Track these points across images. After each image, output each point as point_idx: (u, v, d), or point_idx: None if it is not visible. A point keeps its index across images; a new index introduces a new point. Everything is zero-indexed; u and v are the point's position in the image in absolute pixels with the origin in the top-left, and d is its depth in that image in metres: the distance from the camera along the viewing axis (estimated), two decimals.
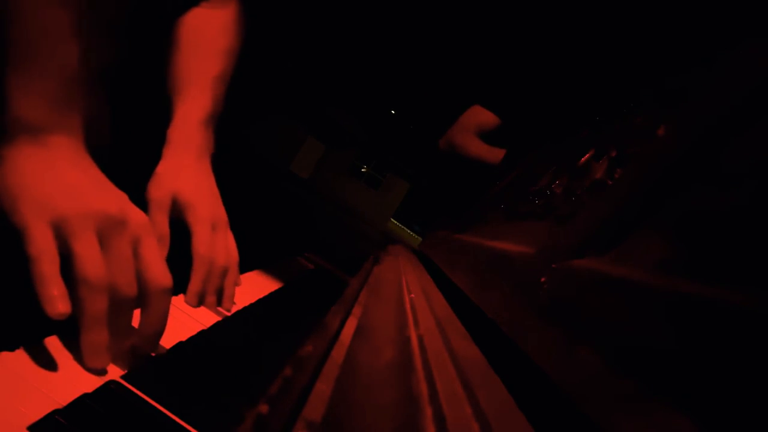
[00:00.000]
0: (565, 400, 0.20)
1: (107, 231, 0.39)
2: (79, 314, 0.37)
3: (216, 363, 0.45)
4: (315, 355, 0.28)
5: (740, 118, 0.26)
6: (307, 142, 17.05)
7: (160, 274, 0.41)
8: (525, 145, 1.07)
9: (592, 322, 0.23)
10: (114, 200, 0.41)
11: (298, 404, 0.23)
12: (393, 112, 16.40)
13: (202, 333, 0.49)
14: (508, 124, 1.54)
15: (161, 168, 0.60)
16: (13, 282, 0.37)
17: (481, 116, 1.59)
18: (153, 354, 0.42)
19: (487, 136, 1.57)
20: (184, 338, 0.45)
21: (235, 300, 0.64)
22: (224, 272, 0.60)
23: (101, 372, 0.37)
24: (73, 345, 0.37)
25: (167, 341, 0.43)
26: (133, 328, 0.41)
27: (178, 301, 0.55)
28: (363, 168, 19.08)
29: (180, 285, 0.57)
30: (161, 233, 0.56)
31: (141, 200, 0.56)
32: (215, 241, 0.59)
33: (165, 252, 0.56)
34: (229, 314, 0.60)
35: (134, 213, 0.42)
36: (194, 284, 0.56)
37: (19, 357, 0.34)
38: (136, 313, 0.41)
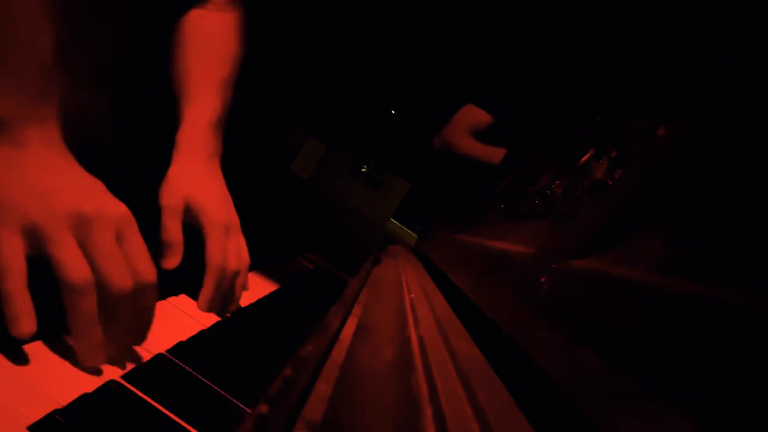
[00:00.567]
0: (565, 400, 0.20)
1: (84, 230, 0.37)
2: (69, 318, 0.36)
3: (216, 363, 0.45)
4: (315, 355, 0.28)
5: (740, 118, 0.26)
6: (307, 142, 17.06)
7: (142, 268, 0.39)
8: (525, 145, 1.07)
9: (592, 322, 0.23)
10: (89, 196, 0.39)
11: (298, 404, 0.23)
12: (393, 112, 16.40)
13: (202, 333, 0.49)
14: (505, 124, 1.54)
15: (172, 172, 0.59)
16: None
17: (474, 115, 1.59)
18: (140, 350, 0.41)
19: (481, 134, 1.58)
20: (184, 338, 0.45)
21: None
22: (236, 276, 0.60)
23: (97, 371, 0.37)
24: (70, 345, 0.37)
25: (167, 341, 0.43)
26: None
27: (178, 301, 0.55)
28: (363, 168, 19.08)
29: (192, 288, 0.57)
30: (174, 240, 0.56)
31: (145, 201, 0.56)
32: (228, 245, 0.59)
33: (179, 258, 0.56)
34: (228, 315, 0.60)
35: (113, 206, 0.40)
36: (206, 291, 0.56)
37: (19, 357, 0.34)
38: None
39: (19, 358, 0.34)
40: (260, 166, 8.48)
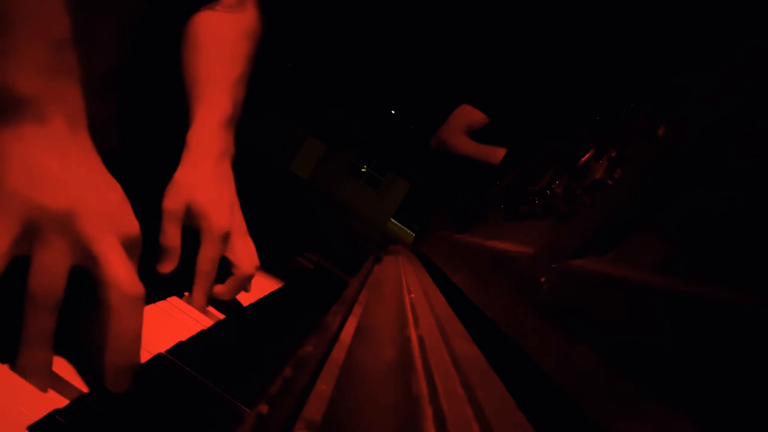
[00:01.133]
0: (565, 400, 0.20)
1: (81, 242, 0.33)
2: (23, 328, 0.32)
3: (216, 363, 0.45)
4: (315, 355, 0.28)
5: (740, 118, 0.26)
6: (307, 142, 17.07)
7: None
8: (525, 145, 1.07)
9: (591, 322, 0.23)
10: (102, 204, 0.35)
11: (298, 404, 0.23)
12: (393, 112, 16.40)
13: (202, 333, 0.49)
14: (502, 123, 1.55)
15: (179, 175, 0.58)
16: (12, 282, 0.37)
17: (470, 115, 1.60)
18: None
19: (478, 134, 1.58)
20: (184, 338, 0.45)
21: (236, 299, 0.65)
22: (249, 279, 0.60)
23: (43, 389, 0.33)
24: (72, 345, 0.37)
25: (167, 341, 0.43)
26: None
27: (178, 301, 0.55)
28: (363, 168, 19.09)
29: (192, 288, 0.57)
30: (171, 245, 0.55)
31: (150, 205, 0.56)
32: (236, 249, 0.58)
33: (175, 263, 0.55)
34: (227, 315, 0.60)
35: (125, 222, 0.36)
36: (197, 298, 0.56)
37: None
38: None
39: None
40: (260, 166, 8.48)
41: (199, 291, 0.56)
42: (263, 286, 0.77)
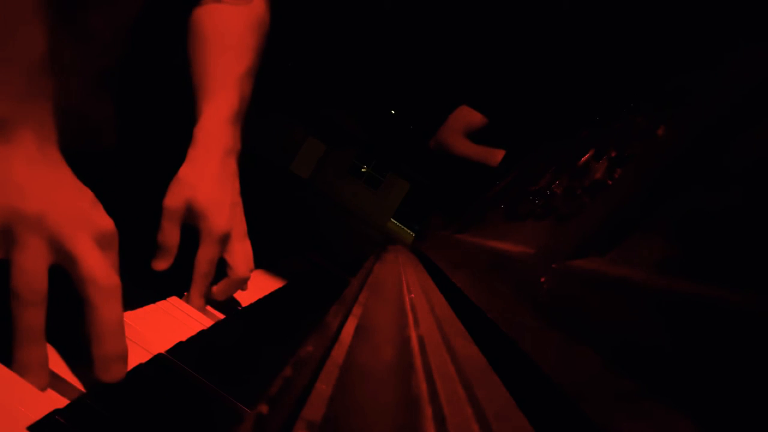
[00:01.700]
0: (565, 400, 0.20)
1: (58, 238, 0.34)
2: (14, 328, 0.33)
3: (216, 363, 0.45)
4: (315, 355, 0.28)
5: (740, 118, 0.26)
6: (307, 142, 17.07)
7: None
8: (525, 146, 1.07)
9: (591, 322, 0.23)
10: (72, 202, 0.36)
11: (298, 404, 0.23)
12: (393, 112, 16.41)
13: (202, 333, 0.49)
14: (501, 124, 1.55)
15: (182, 172, 0.58)
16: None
17: (468, 116, 1.60)
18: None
19: (477, 135, 1.58)
20: (184, 338, 0.45)
21: (236, 299, 0.65)
22: (243, 282, 0.60)
23: (43, 388, 0.33)
24: (72, 344, 0.37)
25: (167, 341, 0.43)
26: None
27: (178, 301, 0.55)
28: (363, 168, 19.09)
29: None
30: (168, 244, 0.55)
31: (149, 202, 0.56)
32: (234, 251, 0.58)
33: (170, 262, 0.55)
34: (227, 315, 0.60)
35: (97, 219, 0.37)
36: (194, 299, 0.56)
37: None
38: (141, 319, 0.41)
39: None
40: (260, 166, 8.48)
41: (195, 292, 0.56)
42: (263, 285, 0.77)
